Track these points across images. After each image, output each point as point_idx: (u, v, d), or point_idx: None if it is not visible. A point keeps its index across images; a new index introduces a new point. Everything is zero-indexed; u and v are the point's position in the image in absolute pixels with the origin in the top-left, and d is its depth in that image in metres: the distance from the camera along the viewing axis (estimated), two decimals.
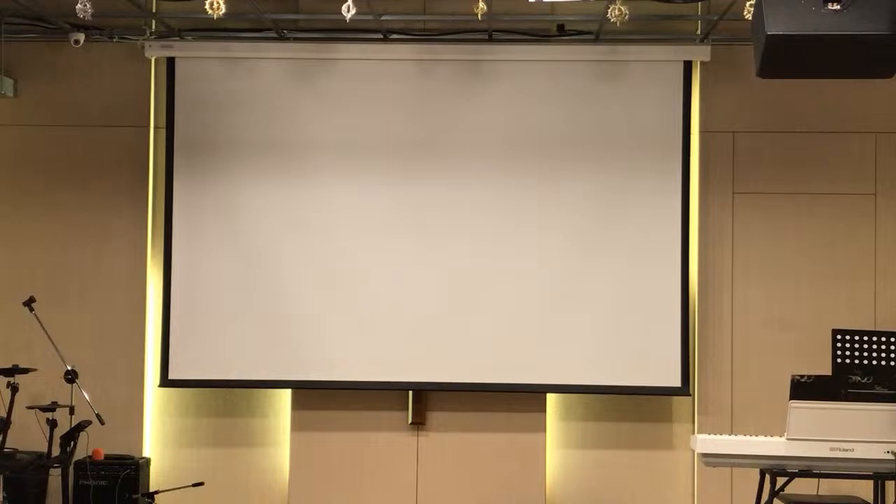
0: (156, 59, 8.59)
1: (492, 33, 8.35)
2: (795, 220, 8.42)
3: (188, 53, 8.47)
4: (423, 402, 8.44)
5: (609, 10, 7.21)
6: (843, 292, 8.36)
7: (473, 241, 8.36)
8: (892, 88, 8.03)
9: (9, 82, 8.47)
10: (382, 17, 8.08)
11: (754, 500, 6.93)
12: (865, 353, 6.65)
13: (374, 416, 8.45)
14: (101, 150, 8.59)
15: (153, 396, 8.56)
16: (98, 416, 7.39)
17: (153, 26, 8.50)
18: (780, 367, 7.74)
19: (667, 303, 8.29)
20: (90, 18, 7.10)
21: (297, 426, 8.47)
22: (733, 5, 7.44)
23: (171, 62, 8.50)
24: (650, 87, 8.37)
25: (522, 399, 8.38)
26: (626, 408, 8.45)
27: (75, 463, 7.89)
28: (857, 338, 6.68)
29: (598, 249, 8.33)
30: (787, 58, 5.56)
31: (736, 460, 6.79)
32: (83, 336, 8.41)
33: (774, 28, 5.43)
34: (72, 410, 7.45)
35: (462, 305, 8.34)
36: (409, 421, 8.43)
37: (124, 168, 8.59)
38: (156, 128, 8.61)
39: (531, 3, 7.84)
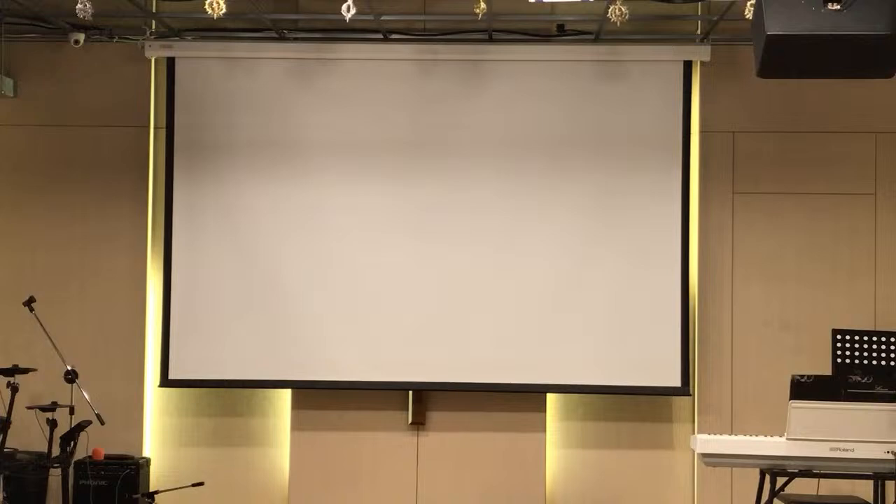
0: (156, 59, 8.59)
1: (492, 33, 8.35)
2: (795, 220, 8.42)
3: (188, 53, 8.47)
4: (423, 402, 8.44)
5: (609, 10, 7.21)
6: (843, 292, 8.36)
7: (473, 241, 8.36)
8: (892, 88, 8.03)
9: (9, 82, 8.47)
10: (382, 17, 8.08)
11: (754, 500, 6.93)
12: (865, 353, 6.65)
13: (374, 416, 8.45)
14: (102, 151, 8.59)
15: (153, 396, 8.56)
16: (98, 415, 7.39)
17: (153, 26, 8.50)
18: (780, 367, 7.75)
19: (667, 303, 8.29)
20: (90, 18, 7.10)
21: (297, 426, 8.47)
22: (733, 5, 7.45)
23: (171, 62, 8.50)
24: (650, 87, 8.37)
25: (522, 399, 8.38)
26: (626, 408, 8.45)
27: (75, 463, 7.89)
28: (857, 338, 6.68)
29: (597, 249, 8.33)
30: (787, 58, 5.56)
31: (736, 460, 6.79)
32: (83, 336, 8.41)
33: (774, 28, 5.43)
34: (72, 410, 7.45)
35: (462, 305, 8.34)
36: (409, 421, 8.43)
37: (124, 168, 8.59)
38: (156, 128, 8.61)
39: (531, 3, 7.84)
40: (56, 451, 7.46)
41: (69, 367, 7.53)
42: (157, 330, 8.50)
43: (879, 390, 6.53)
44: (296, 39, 8.49)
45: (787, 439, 6.57)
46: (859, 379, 6.55)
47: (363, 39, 8.44)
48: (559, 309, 8.32)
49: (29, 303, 7.73)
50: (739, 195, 8.46)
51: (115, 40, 8.45)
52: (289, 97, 8.45)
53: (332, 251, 8.39)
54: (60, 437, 7.44)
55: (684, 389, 8.30)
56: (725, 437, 6.91)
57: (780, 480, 6.68)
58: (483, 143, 8.38)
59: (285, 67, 8.46)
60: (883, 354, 6.65)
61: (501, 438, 8.42)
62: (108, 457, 8.18)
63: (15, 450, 7.95)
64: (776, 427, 6.80)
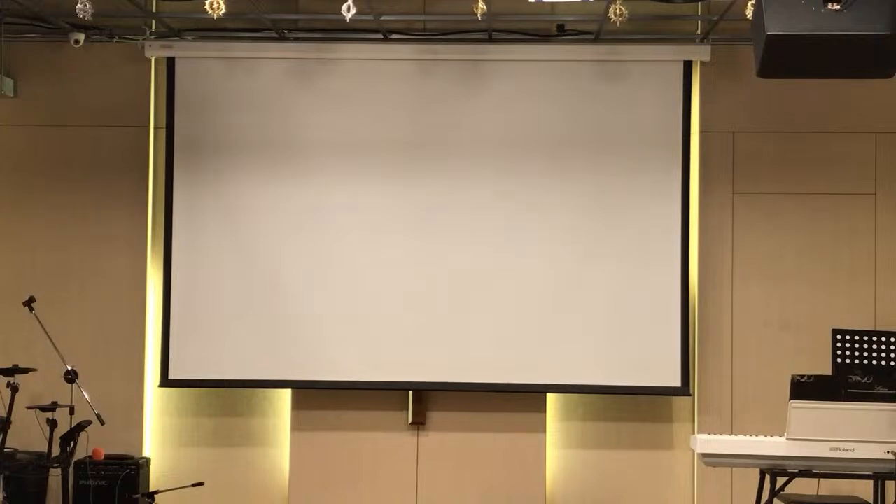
0: (156, 59, 8.59)
1: (492, 33, 8.35)
2: (796, 220, 8.42)
3: (188, 53, 8.47)
4: (423, 402, 8.44)
5: (609, 10, 7.21)
6: (843, 292, 8.36)
7: (473, 241, 8.36)
8: (892, 88, 8.02)
9: (9, 82, 8.47)
10: (382, 17, 8.08)
11: (754, 500, 6.93)
12: (865, 353, 6.65)
13: (374, 416, 8.45)
14: (102, 150, 8.59)
15: (153, 396, 8.56)
16: (98, 416, 7.39)
17: (153, 26, 8.50)
18: (780, 367, 7.75)
19: (667, 303, 8.29)
20: (90, 18, 7.10)
21: (297, 426, 8.47)
22: (733, 5, 7.44)
23: (171, 62, 8.50)
24: (650, 87, 8.36)
25: (522, 399, 8.37)
26: (626, 408, 8.45)
27: (75, 463, 7.89)
28: (857, 338, 6.68)
29: (597, 249, 8.33)
30: (787, 58, 5.57)
31: (736, 460, 6.79)
32: (83, 336, 8.41)
33: (774, 28, 5.43)
34: (72, 410, 7.45)
35: (462, 305, 8.34)
36: (409, 421, 8.43)
37: (124, 168, 8.59)
38: (156, 128, 8.61)
39: (531, 3, 7.84)
40: (56, 451, 7.46)
41: (69, 367, 7.52)
42: (157, 330, 8.50)
43: (879, 390, 6.53)
44: (296, 39, 8.49)
45: (787, 439, 6.57)
46: (859, 379, 6.55)
47: (363, 39, 8.44)
48: (559, 309, 8.32)
49: (29, 303, 7.73)
50: (739, 195, 8.46)
51: (115, 40, 8.44)
52: (289, 97, 8.45)
53: (332, 251, 8.39)
54: (60, 437, 7.44)
55: (684, 389, 8.30)
56: (725, 437, 6.91)
57: (780, 480, 6.68)
58: (483, 143, 8.38)
59: (285, 67, 8.46)
60: (883, 354, 6.64)
61: (501, 438, 8.42)
62: (108, 457, 8.17)
63: (15, 450, 7.95)
64: (776, 427, 6.80)
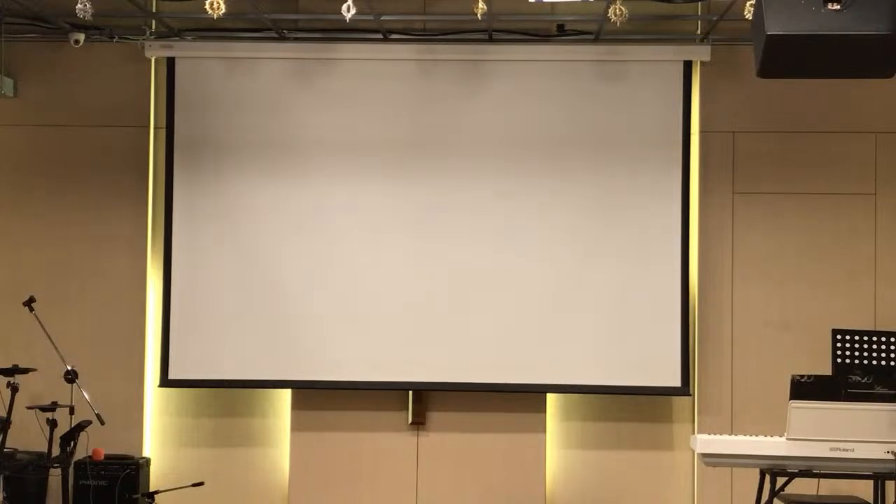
0: (156, 59, 8.59)
1: (492, 33, 8.35)
2: (796, 220, 8.42)
3: (188, 53, 8.47)
4: (423, 402, 8.44)
5: (609, 10, 7.21)
6: (843, 292, 8.36)
7: (473, 241, 8.36)
8: (892, 88, 8.03)
9: (9, 82, 8.47)
10: (382, 17, 8.08)
11: (754, 500, 6.93)
12: (865, 353, 6.65)
13: (374, 416, 8.45)
14: (101, 150, 8.59)
15: (153, 396, 8.56)
16: (98, 416, 7.39)
17: (153, 26, 8.51)
18: (780, 367, 7.75)
19: (667, 303, 8.29)
20: (90, 18, 7.10)
21: (297, 426, 8.47)
22: (733, 5, 7.45)
23: (171, 62, 8.50)
24: (650, 87, 8.36)
25: (522, 399, 8.37)
26: (626, 408, 8.45)
27: (75, 463, 7.89)
28: (857, 338, 6.67)
29: (598, 249, 8.33)
30: (787, 58, 5.57)
31: (736, 460, 6.80)
32: (83, 336, 8.41)
33: (774, 28, 5.43)
34: (72, 410, 7.45)
35: (462, 305, 8.34)
36: (409, 421, 8.43)
37: (124, 168, 8.59)
38: (156, 128, 8.61)
39: (531, 3, 7.84)
40: (56, 451, 7.46)
41: (69, 367, 7.52)
42: (157, 330, 8.50)
43: (879, 390, 6.54)
44: (296, 39, 8.49)
45: (787, 439, 6.57)
46: (859, 379, 6.55)
47: (363, 39, 8.44)
48: (559, 309, 8.32)
49: (29, 303, 7.73)
50: (739, 195, 8.46)
51: (115, 40, 8.45)
52: (289, 97, 8.45)
53: (332, 251, 8.39)
54: (60, 437, 7.43)
55: (684, 389, 8.30)
56: (725, 437, 6.91)
57: (780, 480, 6.68)
58: (483, 143, 8.38)
59: (285, 67, 8.46)
60: (883, 354, 6.64)
61: (501, 439, 8.42)
62: (108, 457, 8.18)
63: (15, 450, 7.95)
64: (776, 427, 6.80)
